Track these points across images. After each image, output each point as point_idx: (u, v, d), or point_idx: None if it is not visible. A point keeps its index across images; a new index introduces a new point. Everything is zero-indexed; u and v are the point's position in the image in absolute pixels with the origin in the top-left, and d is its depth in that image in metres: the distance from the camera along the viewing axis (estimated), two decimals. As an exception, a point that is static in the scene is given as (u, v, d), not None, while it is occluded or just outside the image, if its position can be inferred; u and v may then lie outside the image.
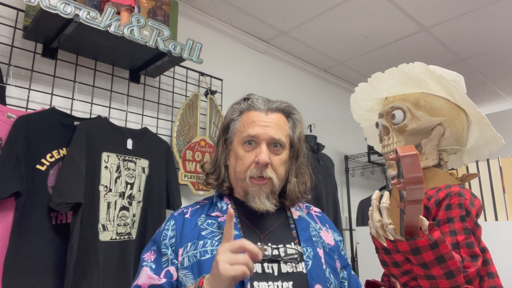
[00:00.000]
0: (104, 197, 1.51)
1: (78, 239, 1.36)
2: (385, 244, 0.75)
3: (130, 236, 1.57)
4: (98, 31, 1.46)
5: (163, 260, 0.86)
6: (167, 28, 1.66)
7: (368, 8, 2.22)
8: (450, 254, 0.70)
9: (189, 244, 0.85)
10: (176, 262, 0.85)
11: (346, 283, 0.95)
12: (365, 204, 2.85)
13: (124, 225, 1.55)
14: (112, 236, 1.51)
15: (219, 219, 0.89)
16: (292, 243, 0.89)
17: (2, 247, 1.27)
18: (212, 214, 0.91)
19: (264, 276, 0.82)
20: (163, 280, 0.82)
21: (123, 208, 1.56)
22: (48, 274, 1.33)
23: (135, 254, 1.57)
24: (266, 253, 0.85)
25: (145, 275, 0.83)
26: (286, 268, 0.84)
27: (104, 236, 1.48)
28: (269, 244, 0.87)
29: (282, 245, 0.87)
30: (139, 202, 1.63)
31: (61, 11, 1.36)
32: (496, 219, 1.78)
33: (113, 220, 1.52)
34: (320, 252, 0.91)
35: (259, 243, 0.86)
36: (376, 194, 0.77)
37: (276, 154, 0.90)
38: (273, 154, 0.90)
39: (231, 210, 0.72)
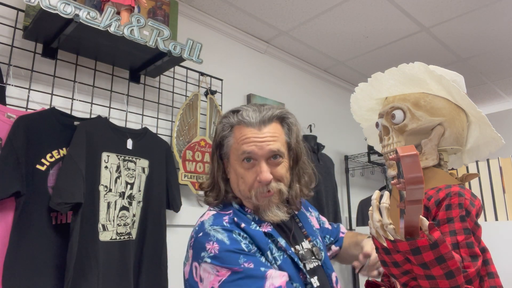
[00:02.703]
0: (104, 197, 1.51)
1: (78, 239, 1.36)
2: (385, 244, 0.75)
3: (130, 236, 1.57)
4: (98, 31, 1.46)
5: (264, 261, 0.80)
6: (167, 28, 1.66)
7: (368, 8, 2.22)
8: (450, 254, 0.70)
9: (268, 252, 0.83)
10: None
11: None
12: (365, 204, 2.85)
13: (124, 225, 1.55)
14: (112, 236, 1.51)
15: (263, 230, 0.87)
16: (306, 241, 0.93)
17: (2, 247, 1.27)
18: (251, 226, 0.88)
19: (310, 272, 0.88)
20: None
21: (123, 208, 1.56)
22: (48, 274, 1.33)
23: (135, 254, 1.57)
24: (302, 252, 0.90)
25: (278, 275, 0.77)
26: (308, 265, 0.88)
27: (104, 236, 1.48)
28: (296, 247, 0.91)
29: (300, 245, 0.93)
30: (139, 202, 1.63)
31: (61, 11, 1.36)
32: (496, 219, 1.78)
33: (113, 220, 1.52)
34: (320, 239, 0.97)
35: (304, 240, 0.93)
36: (376, 194, 0.77)
37: (278, 165, 0.88)
38: (274, 166, 0.87)
39: None
